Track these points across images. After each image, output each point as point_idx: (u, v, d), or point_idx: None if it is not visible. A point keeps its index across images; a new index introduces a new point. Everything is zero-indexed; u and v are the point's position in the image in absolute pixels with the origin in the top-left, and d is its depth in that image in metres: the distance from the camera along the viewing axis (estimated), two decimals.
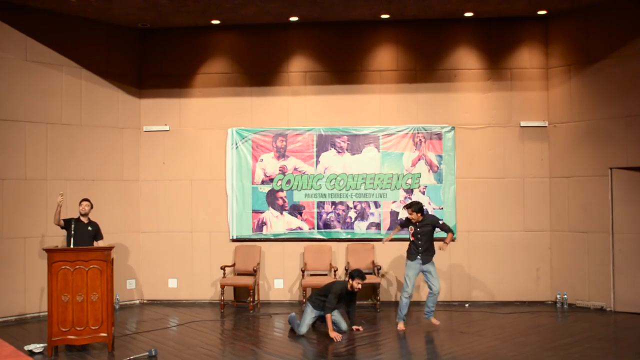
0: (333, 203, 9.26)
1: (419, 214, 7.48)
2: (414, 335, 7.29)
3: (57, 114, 8.70)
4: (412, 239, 7.56)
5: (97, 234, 7.86)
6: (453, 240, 7.67)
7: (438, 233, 7.62)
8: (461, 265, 9.16)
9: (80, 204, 7.81)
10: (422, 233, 7.47)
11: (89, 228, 7.75)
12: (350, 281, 7.27)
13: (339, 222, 9.25)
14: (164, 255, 9.42)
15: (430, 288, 7.52)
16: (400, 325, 7.48)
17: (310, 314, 7.34)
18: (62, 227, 7.63)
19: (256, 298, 8.96)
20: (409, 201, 9.13)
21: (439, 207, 9.12)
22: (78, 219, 7.71)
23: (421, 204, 7.65)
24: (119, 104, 9.33)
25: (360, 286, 7.27)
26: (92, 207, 7.88)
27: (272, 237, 9.31)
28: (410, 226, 7.57)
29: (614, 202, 8.47)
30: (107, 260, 6.49)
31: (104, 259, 6.47)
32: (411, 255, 7.55)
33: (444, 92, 9.28)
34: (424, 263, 7.49)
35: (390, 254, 9.14)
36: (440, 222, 7.63)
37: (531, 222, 9.12)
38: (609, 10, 8.48)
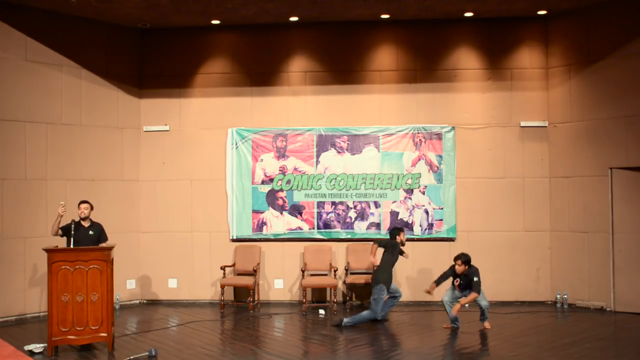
0: (333, 203, 9.26)
1: (466, 267, 7.44)
2: (414, 335, 7.29)
3: (57, 114, 8.70)
4: (457, 290, 7.62)
5: (101, 236, 7.19)
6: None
7: None
8: None
9: (78, 206, 7.17)
10: (463, 285, 7.53)
11: (90, 232, 7.11)
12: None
13: (339, 222, 9.25)
14: (164, 255, 9.42)
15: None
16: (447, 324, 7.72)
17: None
18: (61, 236, 7.03)
19: (256, 298, 8.96)
20: (409, 201, 9.15)
21: (439, 207, 9.12)
22: (78, 223, 7.10)
23: (469, 256, 7.52)
24: (119, 104, 9.33)
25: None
26: (92, 209, 7.23)
27: (272, 237, 9.31)
28: (457, 278, 7.56)
29: (614, 202, 8.47)
30: (107, 260, 6.49)
31: (104, 259, 6.47)
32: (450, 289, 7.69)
33: (444, 92, 9.27)
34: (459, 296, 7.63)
35: None
36: (476, 279, 7.40)
37: (531, 222, 9.12)
38: (609, 10, 8.48)
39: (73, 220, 6.99)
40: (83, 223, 7.15)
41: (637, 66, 8.23)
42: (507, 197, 9.16)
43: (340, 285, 9.13)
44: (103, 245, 7.09)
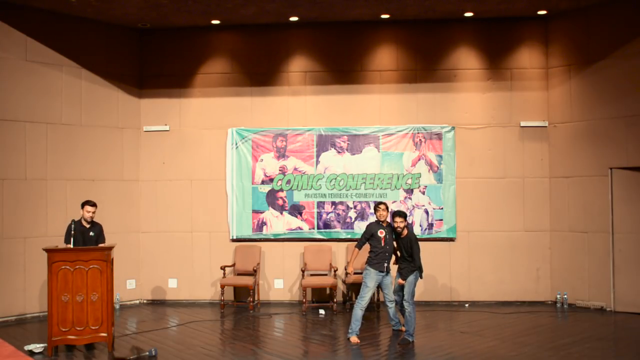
0: (333, 203, 9.26)
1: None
2: (415, 335, 7.27)
3: (57, 114, 8.70)
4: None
5: (99, 238, 6.99)
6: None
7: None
8: (461, 265, 9.16)
9: (83, 207, 6.92)
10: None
11: (91, 234, 6.93)
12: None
13: (339, 222, 9.25)
14: (164, 255, 9.42)
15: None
16: None
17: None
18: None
19: (256, 298, 8.96)
20: (409, 201, 9.15)
21: (439, 207, 9.12)
22: (79, 222, 6.92)
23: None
24: (119, 104, 9.33)
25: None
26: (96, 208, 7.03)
27: (272, 237, 9.31)
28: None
29: (614, 202, 8.47)
30: (107, 260, 6.49)
31: (104, 259, 6.47)
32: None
33: (444, 92, 9.27)
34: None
35: None
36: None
37: (531, 222, 9.12)
38: (609, 10, 8.48)
39: (73, 220, 6.82)
40: (84, 223, 6.94)
41: (637, 66, 8.23)
42: (507, 197, 9.16)
43: (340, 285, 9.13)
44: (102, 245, 6.93)
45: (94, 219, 7.03)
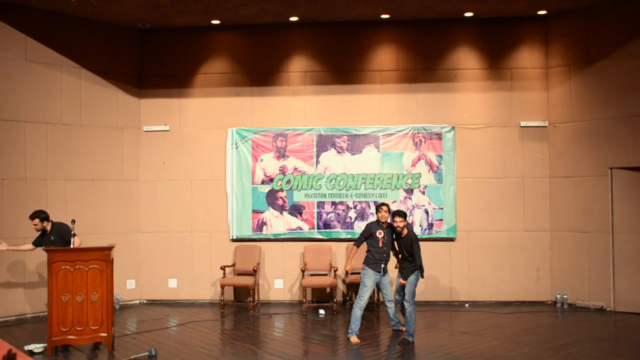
0: (333, 203, 9.26)
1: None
2: (414, 335, 7.28)
3: (57, 114, 8.70)
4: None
5: (67, 236, 6.83)
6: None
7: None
8: (461, 265, 9.16)
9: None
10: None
11: (52, 238, 7.04)
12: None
13: (339, 222, 9.25)
14: (164, 255, 9.42)
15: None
16: None
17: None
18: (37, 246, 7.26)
19: (256, 298, 8.96)
20: (409, 201, 9.15)
21: (439, 207, 9.12)
22: (43, 233, 7.16)
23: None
24: (119, 104, 9.33)
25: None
26: (47, 220, 7.07)
27: (272, 237, 9.31)
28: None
29: (614, 202, 8.47)
30: (107, 260, 6.49)
31: (104, 259, 6.47)
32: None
33: (444, 92, 9.28)
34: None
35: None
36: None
37: (531, 222, 9.12)
38: (609, 10, 8.49)
39: (73, 220, 6.82)
40: (46, 231, 7.13)
41: (637, 66, 8.23)
42: (507, 197, 9.16)
43: (340, 285, 9.13)
44: (75, 242, 6.79)
45: (54, 222, 7.14)
